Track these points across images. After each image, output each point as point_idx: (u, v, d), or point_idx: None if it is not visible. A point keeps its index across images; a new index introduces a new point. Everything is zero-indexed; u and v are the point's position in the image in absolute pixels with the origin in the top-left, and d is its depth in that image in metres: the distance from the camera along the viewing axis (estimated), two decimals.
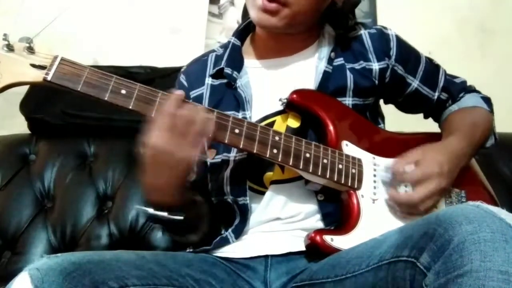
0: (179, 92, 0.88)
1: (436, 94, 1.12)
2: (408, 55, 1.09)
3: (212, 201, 1.06)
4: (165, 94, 0.87)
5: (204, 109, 0.89)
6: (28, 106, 1.57)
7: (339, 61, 1.04)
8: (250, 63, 1.07)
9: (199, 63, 1.13)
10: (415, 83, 1.10)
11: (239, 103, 1.01)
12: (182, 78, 1.12)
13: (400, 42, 1.09)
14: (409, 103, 1.14)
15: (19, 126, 1.64)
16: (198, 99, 1.06)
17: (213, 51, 1.14)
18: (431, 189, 0.93)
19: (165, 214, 0.89)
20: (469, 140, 1.02)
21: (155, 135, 0.84)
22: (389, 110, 1.18)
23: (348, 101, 1.03)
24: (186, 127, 0.84)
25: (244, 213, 0.98)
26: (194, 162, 0.87)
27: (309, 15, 1.00)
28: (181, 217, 0.89)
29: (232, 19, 1.92)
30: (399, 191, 0.95)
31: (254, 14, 0.98)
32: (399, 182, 0.95)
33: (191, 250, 1.05)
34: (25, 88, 1.58)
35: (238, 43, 1.10)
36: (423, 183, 0.93)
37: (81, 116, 1.54)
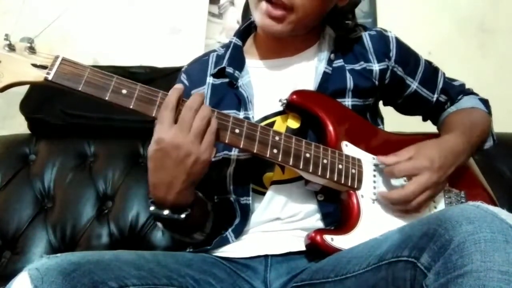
0: (179, 86, 0.88)
1: (435, 96, 1.12)
2: (407, 57, 1.10)
3: (214, 199, 1.05)
4: (165, 94, 0.87)
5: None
6: (28, 106, 1.56)
7: (338, 62, 1.05)
8: (252, 63, 1.08)
9: (200, 62, 1.13)
10: (414, 84, 1.10)
11: (241, 103, 1.02)
12: (183, 77, 1.12)
13: (400, 44, 1.09)
14: (408, 105, 1.14)
15: (19, 126, 1.64)
16: None
17: (214, 50, 1.15)
18: (421, 183, 0.92)
19: (168, 212, 0.88)
20: (467, 138, 1.02)
21: (160, 129, 0.84)
22: (388, 111, 1.18)
23: (348, 102, 1.03)
24: (191, 119, 0.84)
25: (245, 213, 0.98)
26: (205, 158, 0.86)
27: (314, 19, 1.00)
28: (183, 216, 0.89)
29: (232, 19, 1.92)
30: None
31: (258, 19, 0.98)
32: (390, 177, 0.96)
33: (191, 250, 1.05)
34: (25, 88, 1.58)
35: (239, 43, 1.11)
36: (413, 178, 0.93)
37: (81, 116, 1.54)
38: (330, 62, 1.04)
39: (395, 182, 0.98)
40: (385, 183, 0.98)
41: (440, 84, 1.13)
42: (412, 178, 0.93)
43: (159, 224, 0.99)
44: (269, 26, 0.96)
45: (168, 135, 0.83)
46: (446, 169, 0.96)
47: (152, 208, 0.90)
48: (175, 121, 0.84)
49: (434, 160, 0.94)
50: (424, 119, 1.20)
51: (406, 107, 1.15)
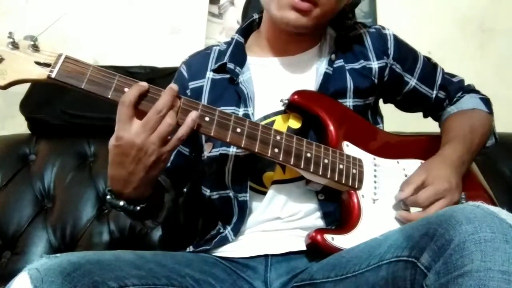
0: (142, 83, 0.85)
1: (434, 92, 1.12)
2: (405, 54, 1.10)
3: (181, 191, 1.06)
4: None
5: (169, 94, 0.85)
6: (28, 106, 1.57)
7: (339, 62, 1.05)
8: (253, 60, 1.07)
9: (202, 55, 1.13)
10: (412, 81, 1.10)
11: (241, 99, 1.01)
12: (183, 68, 1.12)
13: (398, 41, 1.09)
14: (408, 102, 1.14)
15: (19, 126, 1.64)
16: (197, 91, 1.06)
17: (217, 45, 1.14)
18: (444, 206, 0.91)
19: (123, 203, 0.88)
20: (467, 147, 1.02)
21: (118, 127, 0.83)
22: (388, 111, 1.18)
23: (349, 102, 1.03)
24: (156, 123, 0.82)
25: (243, 210, 0.98)
26: (165, 158, 0.85)
27: (330, 16, 1.01)
28: (138, 208, 0.88)
29: (232, 19, 1.92)
30: (412, 211, 0.94)
31: (280, 13, 0.96)
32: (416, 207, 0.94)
33: (191, 250, 1.05)
34: (25, 88, 1.58)
35: (241, 40, 1.10)
36: (437, 202, 0.92)
37: (81, 116, 1.54)
38: (331, 62, 1.04)
39: (397, 183, 0.98)
40: (386, 183, 0.98)
41: (439, 80, 1.13)
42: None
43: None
44: (294, 19, 0.95)
45: (127, 134, 0.82)
46: (460, 184, 0.96)
47: (108, 197, 0.89)
48: (139, 117, 0.82)
49: (450, 180, 0.93)
50: (425, 116, 1.20)
51: (405, 104, 1.15)
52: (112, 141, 0.84)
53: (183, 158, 1.08)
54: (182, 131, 0.85)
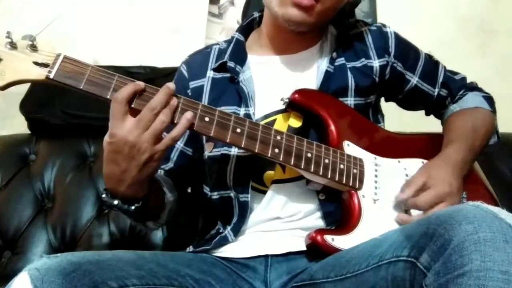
0: (138, 82, 0.85)
1: (436, 90, 1.12)
2: (407, 52, 1.09)
3: (184, 192, 1.05)
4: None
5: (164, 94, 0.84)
6: (28, 106, 1.56)
7: (340, 60, 1.04)
8: (253, 58, 1.07)
9: (202, 54, 1.13)
10: (414, 79, 1.10)
11: (241, 98, 1.01)
12: (183, 68, 1.11)
13: (399, 39, 1.09)
14: (410, 100, 1.14)
15: (19, 126, 1.64)
16: (198, 90, 1.06)
17: (217, 44, 1.14)
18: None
19: (117, 202, 0.87)
20: (470, 147, 1.01)
21: (112, 124, 0.82)
22: (388, 110, 1.18)
23: (350, 101, 1.03)
24: (150, 121, 0.82)
25: (243, 210, 0.98)
26: (158, 157, 0.84)
27: (332, 13, 1.00)
28: (133, 207, 0.88)
29: (232, 19, 1.92)
30: (412, 214, 0.94)
31: (282, 10, 0.96)
32: (415, 209, 0.94)
33: (191, 250, 1.05)
34: (25, 88, 1.58)
35: (242, 38, 1.10)
36: (437, 206, 0.92)
37: (81, 116, 1.54)
38: (332, 60, 1.04)
39: (398, 183, 0.98)
40: (386, 183, 0.98)
41: (440, 78, 1.12)
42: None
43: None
44: (296, 16, 0.95)
45: (120, 131, 0.81)
46: (461, 185, 0.96)
47: (103, 195, 0.89)
48: (134, 116, 0.82)
49: (452, 183, 0.93)
50: (427, 114, 1.19)
51: (407, 102, 1.15)
52: (106, 138, 0.84)
53: (186, 158, 1.08)
54: (177, 131, 0.84)
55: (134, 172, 0.83)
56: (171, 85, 0.85)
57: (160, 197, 0.98)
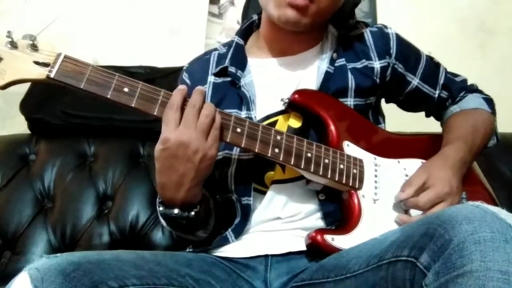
0: (182, 87, 0.88)
1: (437, 92, 1.12)
2: (408, 53, 1.10)
3: (216, 197, 1.06)
4: (168, 92, 0.88)
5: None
6: (28, 106, 1.56)
7: (340, 61, 1.04)
8: (254, 61, 1.07)
9: (201, 61, 1.13)
10: (415, 81, 1.10)
11: (243, 102, 1.01)
12: (185, 76, 1.12)
13: (400, 40, 1.09)
14: (410, 102, 1.14)
15: (19, 126, 1.64)
16: None
17: (215, 49, 1.14)
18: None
19: (178, 211, 0.89)
20: (469, 148, 1.01)
21: (165, 130, 0.85)
22: (389, 110, 1.18)
23: (350, 101, 1.03)
24: (195, 117, 0.85)
25: (246, 213, 0.98)
26: (212, 154, 0.87)
27: (329, 13, 1.01)
28: (193, 212, 0.90)
29: (232, 19, 1.92)
30: (412, 214, 0.94)
31: (278, 11, 0.97)
32: (415, 209, 0.94)
33: (191, 250, 1.05)
34: (25, 88, 1.58)
35: (241, 42, 1.10)
36: (437, 206, 0.92)
37: (81, 116, 1.54)
38: (332, 61, 1.04)
39: (398, 183, 0.98)
40: (386, 183, 0.98)
41: (441, 80, 1.12)
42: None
43: (163, 222, 0.98)
44: (291, 16, 0.95)
45: (173, 135, 0.84)
46: (460, 185, 0.96)
47: (161, 208, 0.91)
48: (180, 121, 0.85)
49: (452, 183, 0.93)
50: (427, 115, 1.19)
51: (408, 104, 1.15)
52: (158, 147, 0.86)
53: None
54: (216, 119, 0.87)
55: (191, 174, 0.86)
56: (201, 86, 0.89)
57: (206, 204, 0.99)
